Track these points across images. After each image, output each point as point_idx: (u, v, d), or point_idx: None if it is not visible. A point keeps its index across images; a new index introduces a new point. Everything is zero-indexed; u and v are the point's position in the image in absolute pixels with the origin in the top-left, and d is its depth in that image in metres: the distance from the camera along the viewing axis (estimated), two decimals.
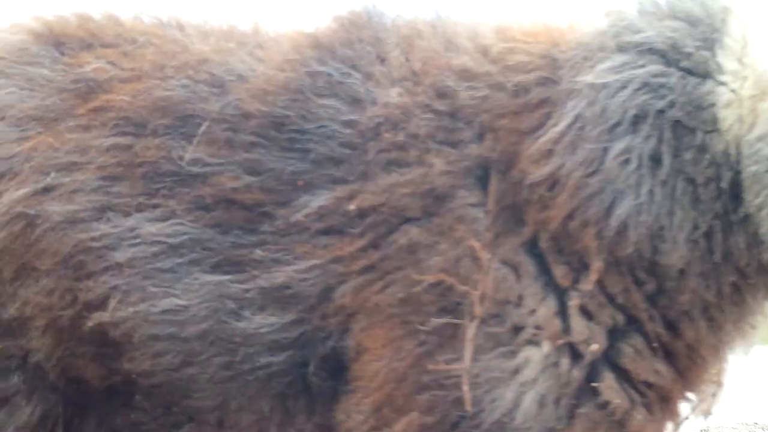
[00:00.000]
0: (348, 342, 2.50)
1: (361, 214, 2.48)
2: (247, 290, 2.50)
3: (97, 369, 2.66)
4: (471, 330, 2.42)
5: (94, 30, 2.80)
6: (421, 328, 2.44)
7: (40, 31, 2.81)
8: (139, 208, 2.55)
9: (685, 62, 2.42)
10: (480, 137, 2.51)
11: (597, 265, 2.41)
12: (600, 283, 2.43)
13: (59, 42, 2.78)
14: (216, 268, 2.54)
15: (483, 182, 2.50)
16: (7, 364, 2.67)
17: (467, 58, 2.58)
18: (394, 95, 2.55)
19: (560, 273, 2.46)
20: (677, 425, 2.64)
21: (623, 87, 2.41)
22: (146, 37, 2.75)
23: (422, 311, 2.45)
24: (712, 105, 2.39)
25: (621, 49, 2.48)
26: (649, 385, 2.49)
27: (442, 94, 2.55)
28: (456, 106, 2.53)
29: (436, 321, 2.43)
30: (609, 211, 2.38)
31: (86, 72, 2.68)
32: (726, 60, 2.42)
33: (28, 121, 2.66)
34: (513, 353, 2.44)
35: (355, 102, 2.56)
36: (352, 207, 2.48)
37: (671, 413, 2.60)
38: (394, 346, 2.46)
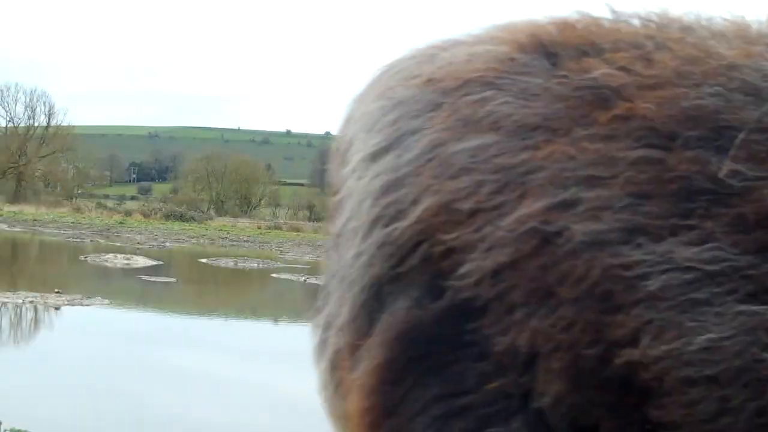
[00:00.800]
0: None
1: None
2: None
3: (611, 419, 2.39)
4: None
5: (585, 35, 2.54)
6: None
7: (524, 41, 2.57)
8: (673, 231, 2.27)
9: None
10: None
11: None
12: None
13: (548, 52, 2.52)
14: (751, 298, 2.24)
15: None
16: (506, 405, 2.42)
17: None
18: None
19: None
20: None
21: None
22: (654, 41, 2.47)
23: None
24: None
25: None
26: None
27: None
28: None
29: None
30: None
31: (594, 78, 2.43)
32: None
33: (531, 130, 2.43)
34: None
35: None
36: None
37: None
38: None
